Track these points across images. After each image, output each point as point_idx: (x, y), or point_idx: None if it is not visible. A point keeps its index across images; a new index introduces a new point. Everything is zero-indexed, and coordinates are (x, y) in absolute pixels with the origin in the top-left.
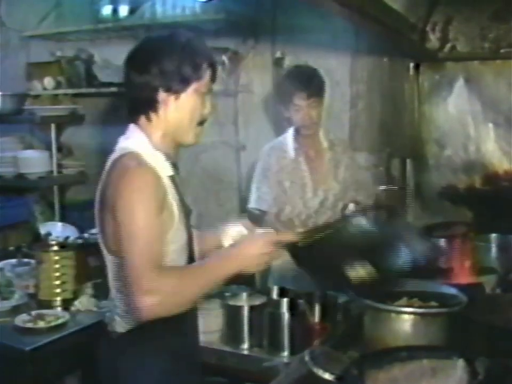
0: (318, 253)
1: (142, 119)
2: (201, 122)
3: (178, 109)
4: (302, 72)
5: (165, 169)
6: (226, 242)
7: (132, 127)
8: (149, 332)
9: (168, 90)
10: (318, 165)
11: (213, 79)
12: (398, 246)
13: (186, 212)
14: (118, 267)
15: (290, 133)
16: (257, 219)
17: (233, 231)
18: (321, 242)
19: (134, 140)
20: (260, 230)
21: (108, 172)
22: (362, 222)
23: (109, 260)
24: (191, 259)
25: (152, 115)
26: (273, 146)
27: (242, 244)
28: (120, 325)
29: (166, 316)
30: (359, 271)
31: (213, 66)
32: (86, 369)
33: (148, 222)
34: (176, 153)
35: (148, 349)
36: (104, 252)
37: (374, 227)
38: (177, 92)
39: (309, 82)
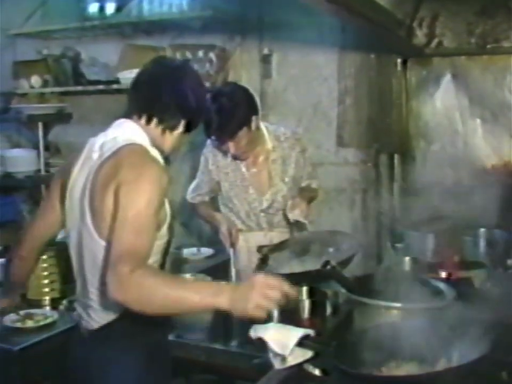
0: None
1: (143, 118)
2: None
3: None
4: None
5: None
6: None
7: (126, 122)
8: (121, 329)
9: (176, 114)
10: (261, 167)
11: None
12: None
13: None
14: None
15: None
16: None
17: None
18: None
19: (135, 134)
20: None
21: (110, 156)
22: None
23: (96, 246)
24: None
25: (154, 119)
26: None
27: (246, 284)
28: (94, 321)
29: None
30: None
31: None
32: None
33: (146, 214)
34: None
35: (119, 346)
36: (95, 236)
37: None
38: (177, 122)
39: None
